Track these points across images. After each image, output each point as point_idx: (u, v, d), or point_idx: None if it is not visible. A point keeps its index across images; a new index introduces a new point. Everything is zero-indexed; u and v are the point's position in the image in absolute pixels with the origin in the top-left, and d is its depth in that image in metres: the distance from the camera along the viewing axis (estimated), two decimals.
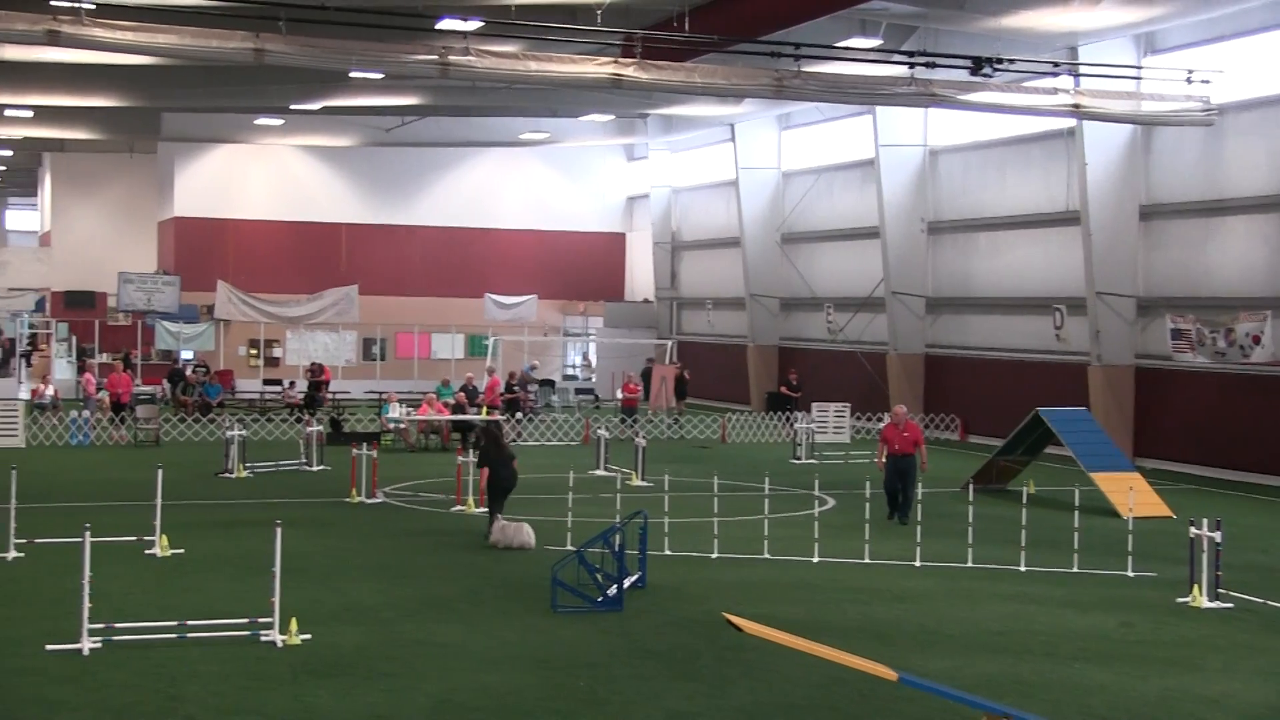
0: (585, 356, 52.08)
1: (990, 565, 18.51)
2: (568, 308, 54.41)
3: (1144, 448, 31.52)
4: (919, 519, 19.35)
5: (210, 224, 50.86)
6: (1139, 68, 30.48)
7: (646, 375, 42.47)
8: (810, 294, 44.13)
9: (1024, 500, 19.73)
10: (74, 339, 49.73)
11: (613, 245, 56.12)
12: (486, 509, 20.53)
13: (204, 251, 50.50)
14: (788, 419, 36.12)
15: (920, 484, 21.58)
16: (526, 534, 19.38)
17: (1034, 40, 29.86)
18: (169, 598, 15.49)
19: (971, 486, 21.77)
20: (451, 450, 30.84)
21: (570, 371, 52.18)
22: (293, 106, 43.55)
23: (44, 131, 48.80)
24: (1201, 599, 16.14)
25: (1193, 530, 16.26)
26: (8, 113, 42.95)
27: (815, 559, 18.71)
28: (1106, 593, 16.95)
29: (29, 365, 48.85)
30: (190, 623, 13.69)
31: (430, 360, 50.71)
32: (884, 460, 22.40)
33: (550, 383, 48.51)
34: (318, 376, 41.57)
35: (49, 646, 13.07)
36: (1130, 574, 17.96)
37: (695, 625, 14.65)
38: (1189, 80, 28.66)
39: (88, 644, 12.96)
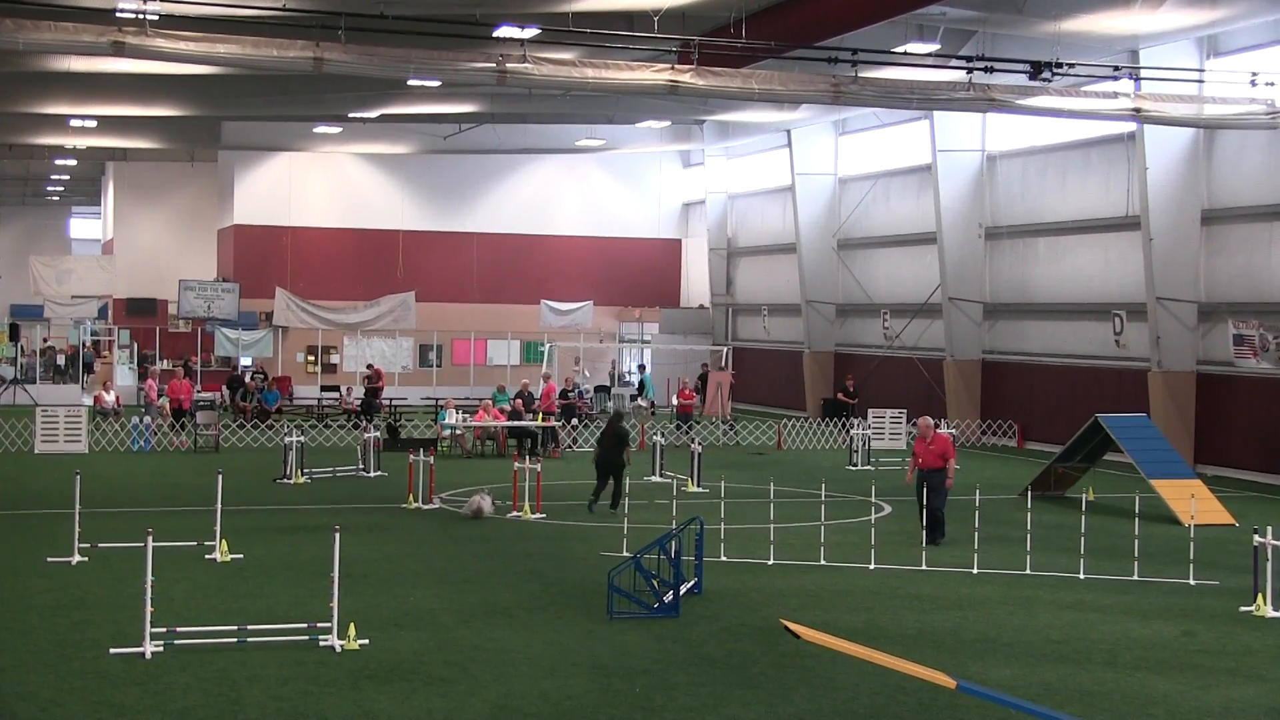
0: (634, 366, 52.08)
1: (1049, 573, 18.36)
2: (623, 314, 54.46)
3: (1205, 455, 31.16)
4: (976, 526, 19.18)
5: (269, 231, 51.30)
6: (1201, 71, 30.16)
7: (704, 380, 42.62)
8: (867, 300, 43.96)
9: (1083, 507, 19.60)
10: (135, 346, 50.30)
11: (669, 251, 56.13)
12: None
13: (263, 259, 50.95)
14: (844, 425, 35.97)
15: (981, 496, 21.38)
16: (478, 504, 22.55)
17: (1094, 44, 29.62)
18: (229, 602, 15.64)
19: (1030, 493, 21.59)
20: (507, 456, 30.96)
21: (626, 378, 52.17)
22: (351, 114, 43.90)
23: (107, 141, 49.49)
24: (1266, 608, 15.92)
25: (1256, 538, 16.06)
26: (73, 123, 43.56)
27: (872, 566, 18.63)
28: (1168, 601, 16.76)
29: (90, 372, 49.49)
30: (250, 627, 13.81)
31: (486, 366, 50.90)
32: (913, 475, 21.21)
33: (606, 389, 48.56)
34: (374, 383, 41.83)
35: (112, 650, 13.23)
36: (1192, 582, 17.76)
37: (752, 632, 14.62)
38: (1253, 83, 28.31)
39: (150, 648, 13.10)
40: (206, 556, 18.10)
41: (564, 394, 37.60)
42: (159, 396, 36.84)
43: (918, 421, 21.63)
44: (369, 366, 43.88)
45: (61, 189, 75.75)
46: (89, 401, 41.41)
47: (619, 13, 28.88)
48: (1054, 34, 28.28)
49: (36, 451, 31.55)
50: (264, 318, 49.87)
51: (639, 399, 45.60)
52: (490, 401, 34.68)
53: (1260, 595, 16.05)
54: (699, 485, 26.65)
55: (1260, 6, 27.88)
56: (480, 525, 22.07)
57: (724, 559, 18.70)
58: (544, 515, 22.73)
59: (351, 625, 13.70)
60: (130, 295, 55.38)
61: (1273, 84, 28.28)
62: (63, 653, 13.25)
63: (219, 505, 18.59)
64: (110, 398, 39.20)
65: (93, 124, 43.92)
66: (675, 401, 39.20)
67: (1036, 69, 26.76)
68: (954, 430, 33.84)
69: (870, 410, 36.69)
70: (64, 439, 31.98)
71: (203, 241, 58.36)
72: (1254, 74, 28.34)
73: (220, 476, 19.02)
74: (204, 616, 14.67)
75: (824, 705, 11.97)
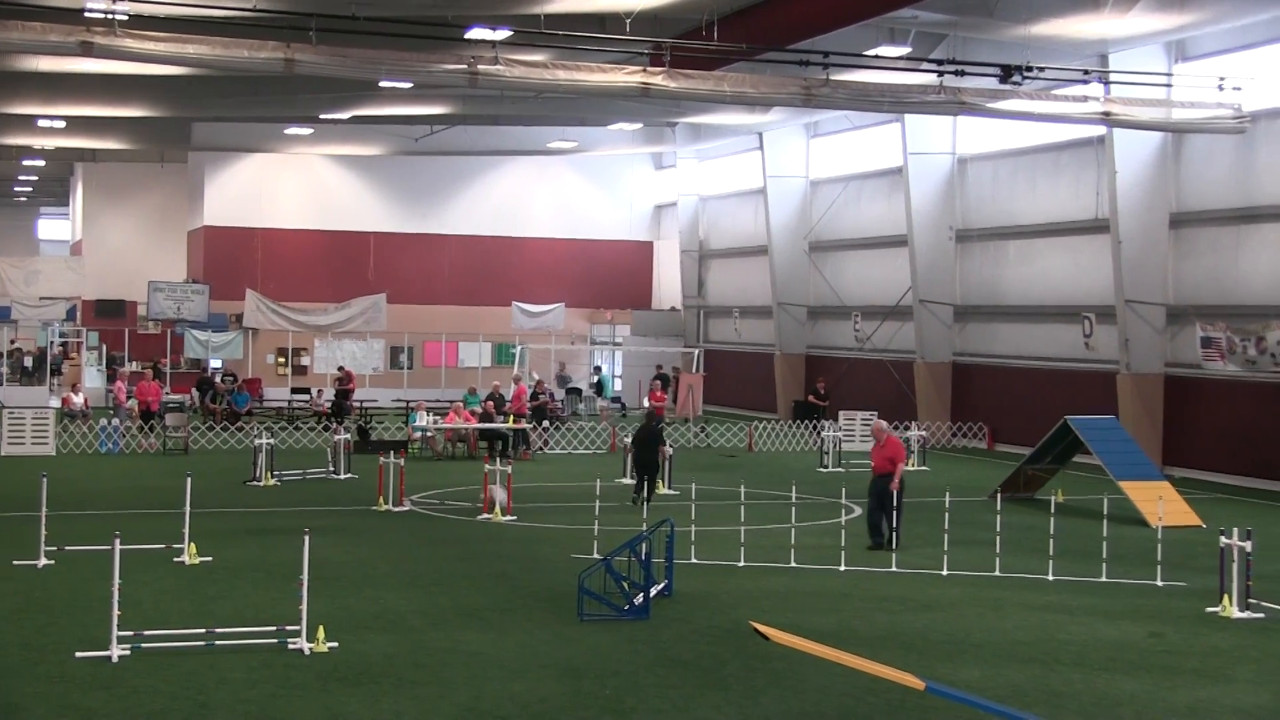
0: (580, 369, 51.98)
1: (1018, 574, 18.43)
2: (595, 316, 54.44)
3: (1173, 456, 31.34)
4: (946, 528, 19.22)
5: (240, 233, 51.08)
6: (1170, 75, 30.35)
7: (663, 381, 42.86)
8: (838, 302, 44.06)
9: (1052, 509, 19.67)
10: (104, 348, 49.97)
11: (640, 253, 56.12)
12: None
13: (233, 260, 50.72)
14: (815, 428, 36.04)
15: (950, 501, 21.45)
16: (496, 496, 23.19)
17: (1064, 48, 29.75)
18: (197, 605, 15.56)
19: (999, 495, 21.66)
20: (478, 458, 30.90)
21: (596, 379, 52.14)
22: (322, 116, 43.73)
23: (76, 142, 49.18)
24: (1232, 609, 16.03)
25: (1223, 540, 16.17)
26: (41, 123, 43.27)
27: (842, 568, 18.67)
28: (1136, 602, 16.86)
29: (58, 374, 49.14)
30: (218, 630, 13.75)
31: (458, 369, 50.80)
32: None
33: (577, 390, 48.54)
34: (345, 384, 41.70)
35: (79, 654, 13.15)
36: (1159, 583, 17.86)
37: (722, 634, 14.63)
38: (1220, 87, 28.52)
39: (117, 651, 13.02)
40: (175, 559, 18.01)
41: (535, 396, 37.57)
42: (128, 398, 36.62)
43: (873, 426, 21.62)
44: (340, 368, 43.75)
45: (30, 190, 75.31)
46: (56, 403, 41.16)
47: (591, 15, 28.86)
48: (1024, 38, 28.40)
49: (3, 454, 31.32)
50: (234, 320, 49.62)
51: (599, 399, 45.81)
52: (461, 403, 34.61)
53: (1226, 596, 16.16)
54: (670, 487, 26.64)
55: (1227, 12, 28.05)
56: (450, 527, 22.03)
57: (695, 561, 18.70)
58: (515, 517, 22.71)
59: (321, 628, 13.64)
60: (99, 297, 55.00)
61: (1240, 89, 28.50)
62: (28, 656, 13.17)
63: (188, 508, 18.51)
64: (78, 399, 38.97)
65: (61, 124, 43.65)
66: (647, 403, 39.20)
67: (1007, 73, 26.87)
68: (924, 432, 33.97)
69: (841, 412, 36.76)
70: (31, 441, 31.80)
71: (173, 243, 58.05)
72: (1221, 79, 28.55)
73: (189, 479, 18.94)
74: (172, 619, 14.59)
75: (793, 707, 11.99)
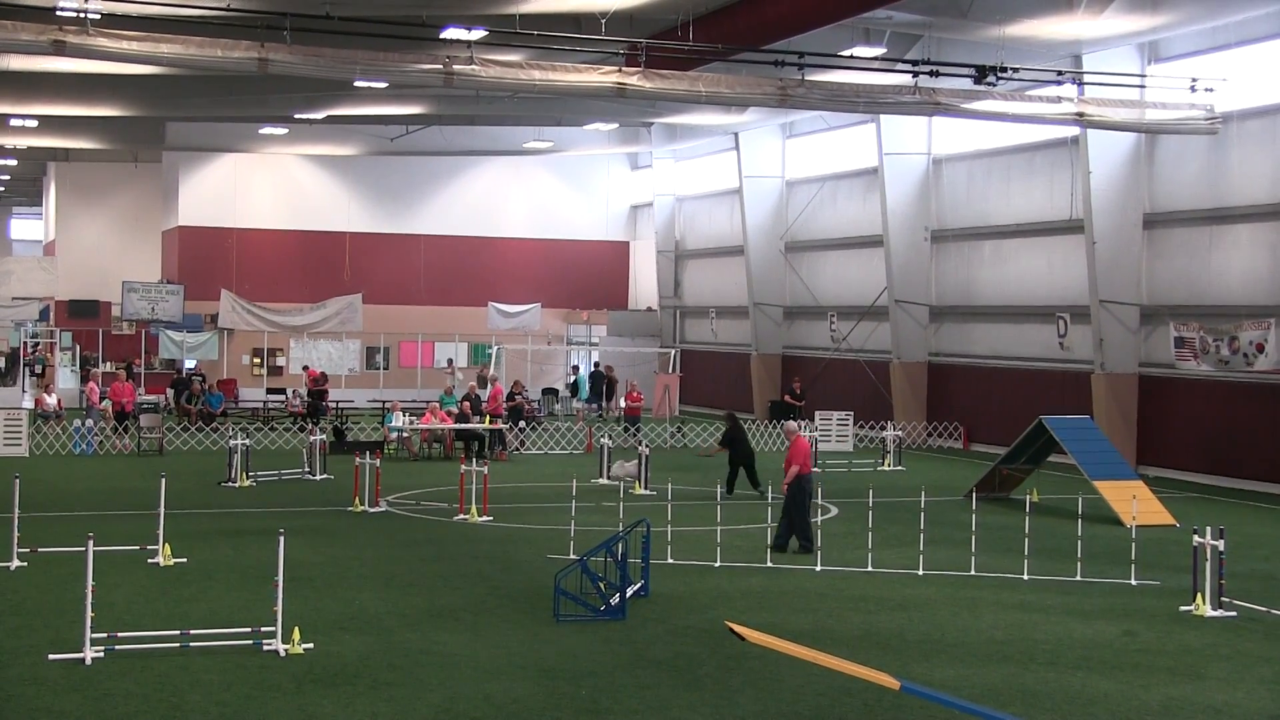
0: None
1: (993, 574, 18.49)
2: (571, 316, 54.42)
3: (1147, 456, 31.49)
4: (922, 527, 19.25)
5: (214, 233, 50.86)
6: (1143, 76, 30.49)
7: (596, 379, 42.81)
8: (814, 302, 44.13)
9: (1027, 509, 19.74)
10: (78, 348, 49.65)
11: (617, 254, 56.09)
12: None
13: (208, 260, 50.49)
14: None
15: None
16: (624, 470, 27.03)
17: (1038, 49, 29.87)
18: (172, 607, 15.49)
19: (975, 495, 21.71)
20: (454, 459, 30.85)
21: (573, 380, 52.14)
22: (297, 116, 43.58)
23: (49, 141, 48.91)
24: (1205, 608, 16.12)
25: (1196, 539, 16.25)
26: (13, 122, 43.01)
27: (818, 568, 18.70)
28: (1110, 601, 16.93)
29: (35, 375, 48.84)
30: (193, 632, 13.70)
31: (434, 369, 50.68)
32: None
33: (554, 391, 48.52)
34: (319, 384, 41.58)
35: (51, 656, 13.07)
36: (1133, 582, 17.94)
37: (698, 634, 14.64)
38: (1193, 89, 28.67)
39: (90, 653, 12.96)
40: (149, 560, 17.94)
41: (511, 396, 37.51)
42: (101, 399, 36.44)
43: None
44: (304, 369, 43.56)
45: (1, 189, 74.87)
46: (30, 404, 40.93)
47: (566, 15, 28.85)
48: (998, 39, 28.50)
49: None
50: (209, 320, 49.44)
51: (575, 400, 45.75)
52: (437, 404, 34.55)
53: (1199, 595, 16.24)
54: (646, 488, 26.65)
55: (1199, 13, 28.21)
56: (426, 528, 21.98)
57: (671, 561, 18.71)
58: (491, 518, 22.68)
59: (296, 629, 13.61)
60: (72, 297, 54.75)
61: (1212, 90, 28.65)
62: (0, 659, 13.08)
63: (162, 509, 18.43)
64: (52, 400, 38.74)
65: (33, 124, 43.42)
66: (623, 404, 39.20)
67: (981, 73, 26.96)
68: (900, 432, 34.05)
69: (817, 412, 36.83)
70: (4, 442, 31.59)
71: (147, 243, 57.77)
72: (1193, 80, 28.70)
73: (164, 480, 18.84)
74: (146, 621, 14.52)
75: (769, 707, 12.00)
